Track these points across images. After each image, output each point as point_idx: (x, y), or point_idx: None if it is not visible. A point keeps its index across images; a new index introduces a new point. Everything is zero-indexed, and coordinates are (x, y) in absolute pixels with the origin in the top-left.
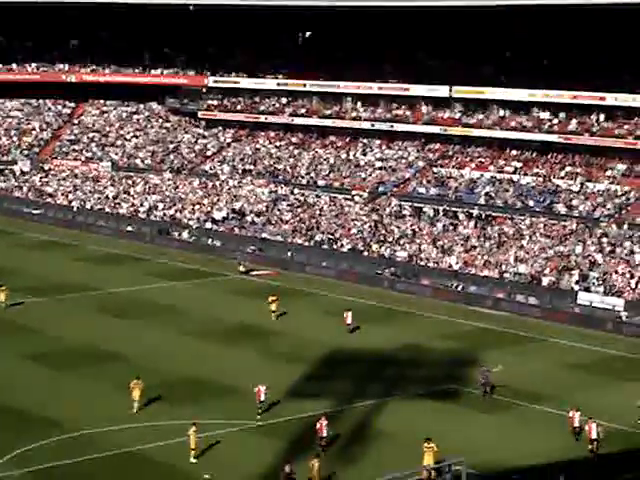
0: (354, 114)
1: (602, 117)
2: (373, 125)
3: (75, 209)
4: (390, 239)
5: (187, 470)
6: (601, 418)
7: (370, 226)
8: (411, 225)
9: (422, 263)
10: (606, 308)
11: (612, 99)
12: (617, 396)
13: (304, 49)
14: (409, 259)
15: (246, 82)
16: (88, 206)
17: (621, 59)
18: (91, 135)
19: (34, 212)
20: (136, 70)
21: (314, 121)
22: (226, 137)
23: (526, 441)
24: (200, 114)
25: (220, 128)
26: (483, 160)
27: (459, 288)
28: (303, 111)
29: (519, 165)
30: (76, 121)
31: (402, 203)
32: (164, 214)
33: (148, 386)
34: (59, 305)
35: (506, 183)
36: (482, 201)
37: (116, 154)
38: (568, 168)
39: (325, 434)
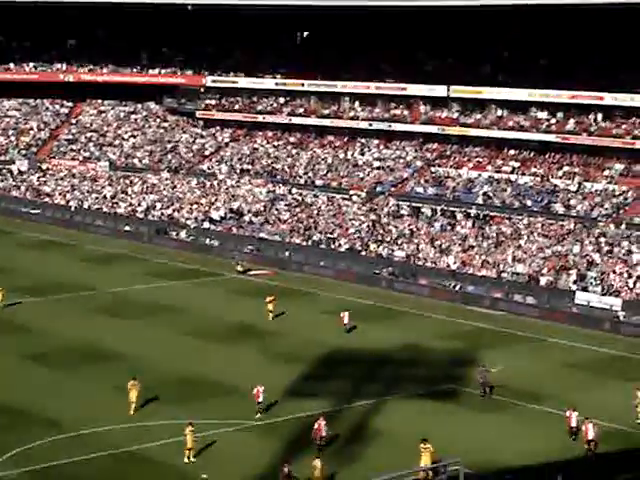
0: (352, 114)
1: (600, 117)
2: (371, 125)
3: (73, 209)
4: (388, 239)
5: (185, 470)
6: (599, 418)
7: (368, 226)
8: (409, 225)
9: (420, 263)
10: (604, 308)
11: (610, 99)
12: (615, 396)
13: (302, 49)
14: (407, 259)
15: (244, 82)
16: (86, 206)
17: (619, 59)
18: (89, 135)
19: (32, 212)
20: (134, 70)
21: (312, 121)
22: (224, 137)
23: (524, 441)
24: (198, 114)
25: (218, 128)
26: (481, 160)
27: (457, 288)
28: (301, 111)
29: (517, 165)
30: (74, 121)
31: (400, 203)
32: (162, 214)
33: (146, 386)
34: (57, 305)
35: (504, 183)
36: (480, 201)
37: (114, 154)
38: (566, 168)
39: (324, 434)
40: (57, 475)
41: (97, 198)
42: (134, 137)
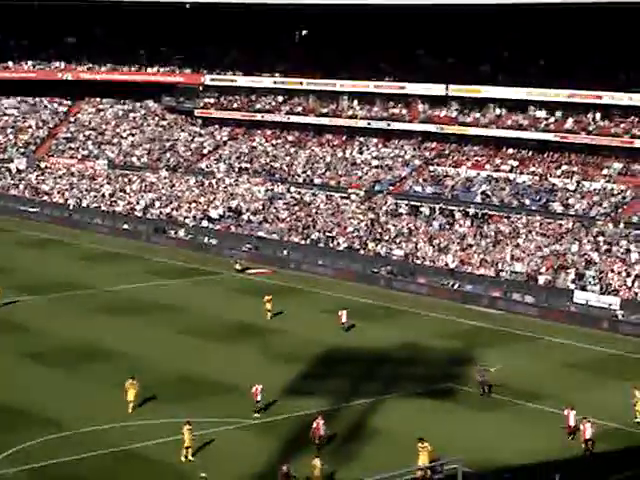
0: (350, 112)
1: (598, 116)
2: (369, 123)
3: (71, 207)
4: (386, 237)
5: (183, 469)
6: (597, 417)
7: (366, 224)
8: (407, 223)
9: (418, 262)
10: (602, 307)
11: (608, 98)
12: (613, 395)
13: (301, 48)
14: (405, 257)
15: (243, 80)
16: (84, 204)
17: (617, 58)
18: (87, 133)
19: (30, 210)
20: (132, 68)
21: (310, 119)
22: (222, 135)
23: (522, 440)
24: (196, 112)
25: (216, 126)
26: (479, 159)
27: (455, 287)
28: (299, 109)
29: (515, 164)
30: (72, 119)
31: (398, 201)
32: (160, 212)
33: (144, 385)
34: (55, 303)
35: (502, 182)
36: (478, 200)
37: (112, 152)
38: (564, 167)
39: (322, 433)
40: (55, 474)
41: (95, 196)
42: (132, 135)
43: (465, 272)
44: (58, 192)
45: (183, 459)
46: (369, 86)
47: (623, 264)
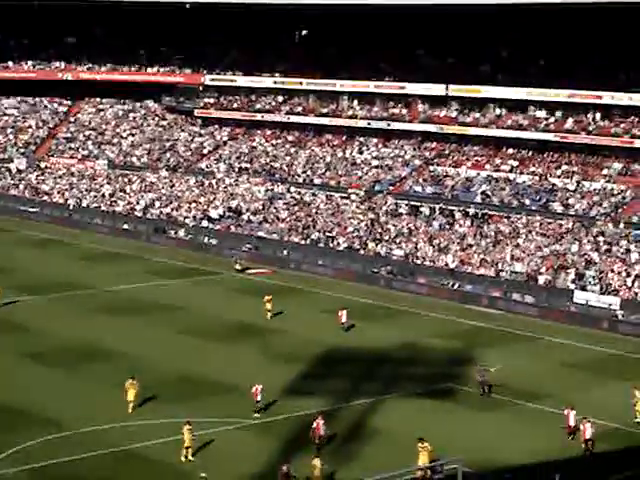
0: (350, 112)
1: (598, 116)
2: (369, 123)
3: (71, 207)
4: (386, 237)
5: (183, 469)
6: (597, 417)
7: (366, 224)
8: (407, 223)
9: (418, 262)
10: (602, 307)
11: (608, 98)
12: (613, 395)
13: (301, 47)
14: (405, 257)
15: (242, 80)
16: (84, 204)
17: (617, 58)
18: (87, 133)
19: (30, 210)
20: (132, 68)
21: (310, 119)
22: (222, 135)
23: (522, 440)
24: (196, 112)
25: (216, 126)
26: (479, 159)
27: (455, 286)
28: (299, 109)
29: (515, 164)
30: (72, 119)
31: (398, 201)
32: (160, 212)
33: (144, 385)
34: (55, 303)
35: (502, 182)
36: (478, 200)
37: (112, 152)
38: (564, 167)
39: (322, 434)
40: (55, 474)
41: (95, 196)
42: (132, 135)
43: (465, 272)
44: (58, 192)
45: (183, 459)
46: (369, 86)
47: (623, 264)
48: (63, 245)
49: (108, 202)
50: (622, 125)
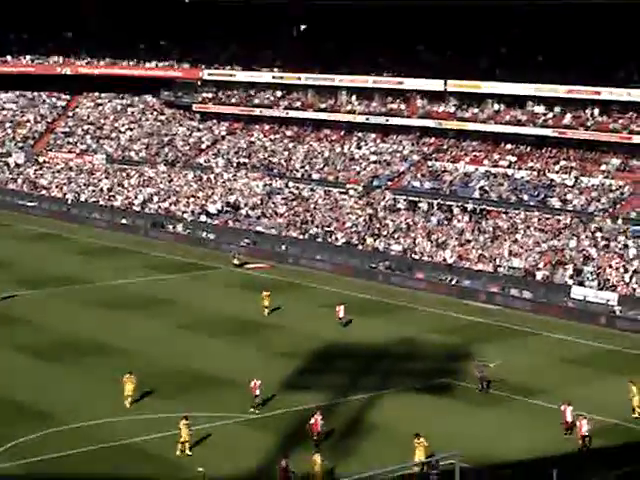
0: (349, 107)
1: (597, 111)
2: (368, 119)
3: (69, 201)
4: (384, 233)
5: (181, 463)
6: (594, 412)
7: (364, 220)
8: (405, 219)
9: (416, 257)
10: (600, 302)
11: (607, 93)
12: (610, 391)
13: (299, 42)
14: (403, 253)
15: (241, 75)
16: (82, 198)
17: (616, 54)
18: (86, 127)
19: (28, 204)
20: (131, 63)
21: (309, 114)
22: (221, 130)
23: (520, 435)
24: (195, 107)
25: (215, 121)
26: (478, 154)
27: (453, 282)
28: (298, 104)
29: (513, 159)
30: (71, 113)
31: (397, 197)
32: (158, 207)
33: (142, 379)
34: (53, 298)
35: (500, 177)
36: (476, 195)
37: (110, 147)
38: (562, 162)
39: (320, 429)
40: (53, 468)
41: (94, 191)
42: (131, 130)
43: (463, 267)
44: (56, 186)
45: (179, 453)
46: (368, 81)
47: (621, 260)
48: (61, 239)
49: (106, 197)
50: (621, 121)
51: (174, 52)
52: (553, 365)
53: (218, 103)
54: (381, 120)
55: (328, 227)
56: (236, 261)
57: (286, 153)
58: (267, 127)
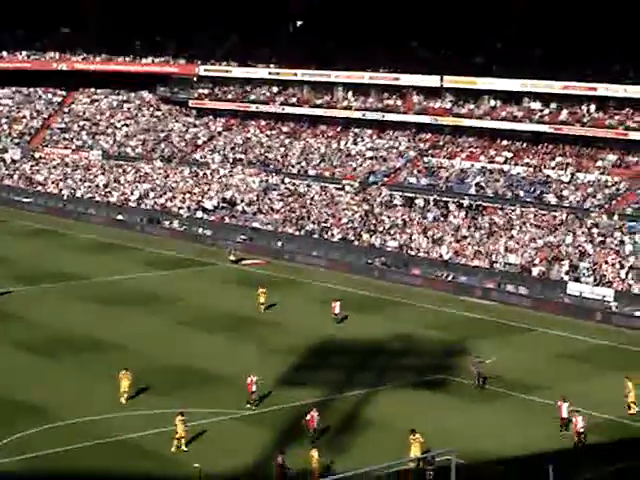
0: (345, 103)
1: (593, 108)
2: (364, 115)
3: (65, 197)
4: (381, 229)
5: (176, 459)
6: (590, 408)
7: (361, 216)
8: (402, 215)
9: (412, 253)
10: (596, 298)
11: (603, 89)
12: (606, 387)
13: (295, 38)
14: (400, 249)
15: (237, 71)
16: (78, 194)
17: (612, 50)
18: (82, 123)
19: (24, 200)
20: (127, 59)
21: (305, 110)
22: (217, 126)
23: (515, 431)
24: (191, 103)
25: (211, 117)
26: (474, 150)
27: (449, 278)
28: (294, 100)
29: (510, 155)
30: (67, 109)
31: (393, 193)
32: (155, 203)
33: (138, 375)
34: (48, 294)
35: (497, 173)
36: (473, 191)
37: (107, 142)
38: (559, 158)
39: (317, 426)
40: (50, 464)
41: (90, 187)
42: (127, 126)
43: (459, 263)
44: (52, 182)
45: (174, 449)
46: (364, 77)
47: (617, 256)
48: (57, 235)
49: (102, 192)
50: (617, 117)
51: (170, 48)
52: (549, 361)
53: (214, 99)
54: (377, 116)
55: (324, 223)
56: (232, 257)
57: (282, 149)
58: (263, 123)
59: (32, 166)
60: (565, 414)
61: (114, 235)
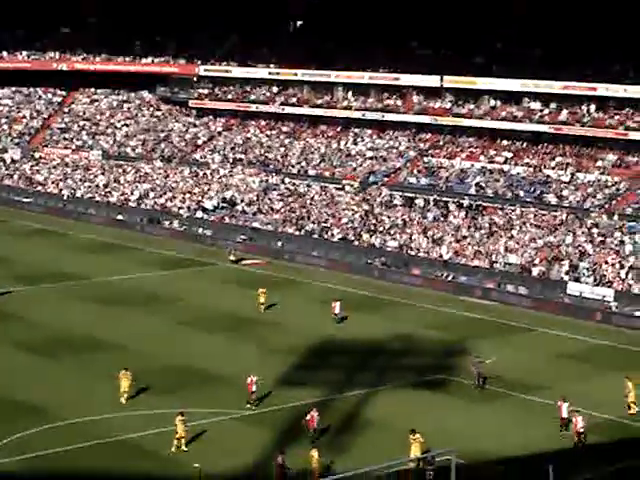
0: (345, 103)
1: (593, 108)
2: (364, 115)
3: (65, 197)
4: (381, 229)
5: (176, 459)
6: (590, 408)
7: (361, 216)
8: (402, 215)
9: (412, 253)
10: (596, 298)
11: (603, 89)
12: (606, 387)
13: (295, 38)
14: (399, 249)
15: (237, 71)
16: (78, 194)
17: (613, 50)
18: (82, 123)
19: (24, 200)
20: (127, 59)
21: (305, 110)
22: (217, 126)
23: (515, 431)
24: (191, 103)
25: (211, 117)
26: (474, 150)
27: (449, 278)
28: (294, 100)
29: (510, 155)
30: (67, 109)
31: (393, 193)
32: (155, 203)
33: (138, 375)
34: (48, 294)
35: (497, 173)
36: (472, 191)
37: (107, 142)
38: (558, 158)
39: (316, 426)
40: (50, 463)
41: (90, 187)
42: (127, 126)
43: (459, 263)
44: (52, 182)
45: (174, 449)
46: (364, 77)
47: (617, 256)
48: (57, 235)
49: (102, 192)
50: (617, 117)
51: (170, 48)
52: (549, 361)
53: (214, 99)
54: (377, 116)
55: (324, 223)
56: (232, 257)
57: (282, 149)
58: (263, 123)
59: (32, 166)
60: (565, 414)
61: (114, 235)
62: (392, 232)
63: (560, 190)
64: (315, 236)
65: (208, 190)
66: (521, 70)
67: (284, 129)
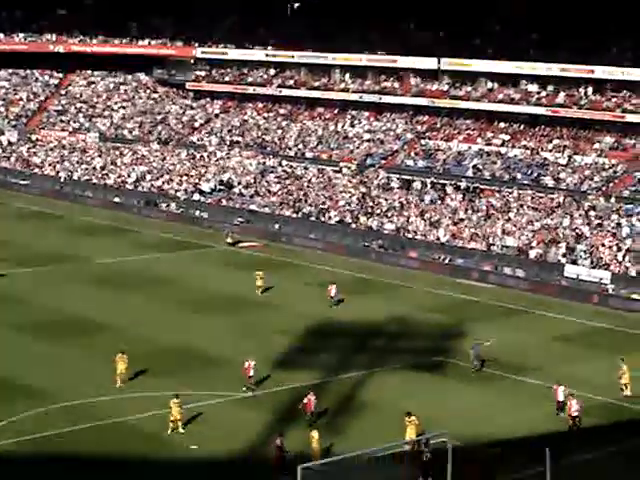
0: (342, 86)
1: (590, 90)
2: (361, 97)
3: (62, 180)
4: (378, 211)
5: (173, 441)
6: (586, 391)
7: (358, 198)
8: (399, 197)
9: (410, 235)
10: (593, 281)
11: (601, 72)
12: (602, 369)
13: (293, 20)
14: (397, 231)
15: (234, 53)
16: (75, 177)
17: (610, 32)
18: (79, 106)
19: (21, 182)
20: (124, 40)
21: (302, 92)
22: (214, 108)
23: (512, 414)
24: (188, 85)
25: (208, 99)
26: (471, 132)
27: (446, 260)
28: (291, 82)
29: (507, 138)
30: (63, 92)
31: (390, 175)
32: (151, 185)
33: (134, 358)
34: (45, 276)
35: (494, 156)
36: (470, 173)
37: (103, 125)
38: (556, 141)
39: (314, 409)
40: (47, 445)
41: (87, 169)
42: (124, 108)
43: (456, 246)
44: (49, 165)
45: (170, 432)
46: (361, 59)
47: (614, 238)
48: (54, 218)
49: (99, 175)
50: (614, 99)
51: (167, 30)
52: (546, 343)
53: (211, 81)
54: (374, 98)
55: (322, 206)
56: (229, 240)
57: (279, 131)
58: (260, 105)
59: (29, 148)
60: (561, 397)
61: (111, 217)
62: (389, 215)
63: (557, 173)
64: (312, 219)
65: (205, 172)
66: (518, 52)
67: (281, 111)
